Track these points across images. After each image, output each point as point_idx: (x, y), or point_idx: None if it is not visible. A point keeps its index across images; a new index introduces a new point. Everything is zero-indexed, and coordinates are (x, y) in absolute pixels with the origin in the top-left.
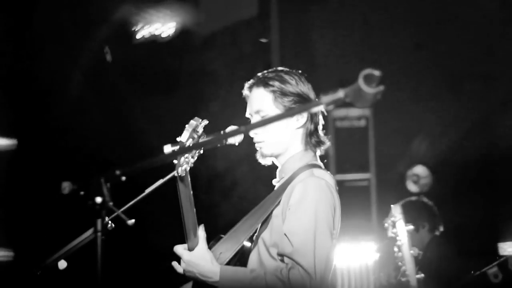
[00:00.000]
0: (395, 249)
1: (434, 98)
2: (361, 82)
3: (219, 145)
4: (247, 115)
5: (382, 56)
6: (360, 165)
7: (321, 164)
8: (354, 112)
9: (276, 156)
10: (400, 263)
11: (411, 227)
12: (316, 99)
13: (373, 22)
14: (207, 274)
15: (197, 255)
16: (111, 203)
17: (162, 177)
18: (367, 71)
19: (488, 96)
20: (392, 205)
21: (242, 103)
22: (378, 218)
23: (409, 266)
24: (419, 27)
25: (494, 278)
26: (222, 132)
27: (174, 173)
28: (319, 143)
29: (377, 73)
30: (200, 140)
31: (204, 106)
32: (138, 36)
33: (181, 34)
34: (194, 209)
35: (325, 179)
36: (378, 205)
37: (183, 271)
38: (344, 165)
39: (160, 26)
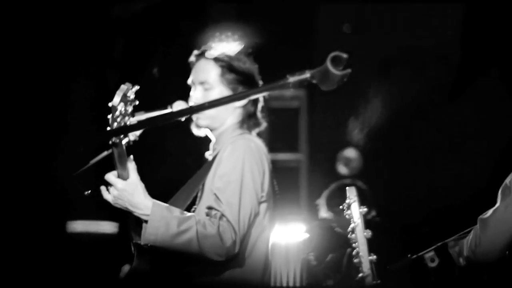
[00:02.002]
0: (348, 230)
1: (365, 81)
2: (328, 64)
3: (166, 122)
4: (189, 82)
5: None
6: (291, 146)
7: (254, 134)
8: (287, 92)
9: (211, 129)
10: (354, 245)
11: (365, 209)
12: (260, 80)
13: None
14: (138, 205)
15: (130, 184)
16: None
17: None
18: (335, 53)
19: (418, 79)
20: (347, 188)
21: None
22: (307, 199)
23: (362, 248)
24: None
25: (430, 262)
26: (169, 108)
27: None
28: (256, 124)
29: (344, 55)
30: (137, 116)
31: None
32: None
33: None
34: (127, 166)
35: (255, 142)
36: (308, 186)
37: (112, 200)
38: (275, 144)
39: None
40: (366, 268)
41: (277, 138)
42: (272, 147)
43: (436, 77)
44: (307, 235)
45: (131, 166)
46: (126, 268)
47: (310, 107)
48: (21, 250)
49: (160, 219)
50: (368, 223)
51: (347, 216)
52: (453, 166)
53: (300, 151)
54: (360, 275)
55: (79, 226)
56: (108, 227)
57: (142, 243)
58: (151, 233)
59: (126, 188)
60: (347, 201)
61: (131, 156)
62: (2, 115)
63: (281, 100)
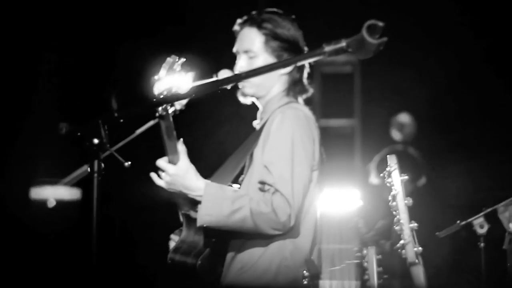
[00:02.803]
0: (389, 198)
1: (421, 48)
2: (364, 32)
3: (211, 91)
4: (234, 50)
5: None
6: (345, 111)
7: (301, 102)
8: (340, 58)
9: (258, 97)
10: (394, 212)
11: (406, 177)
12: (304, 47)
13: None
14: (191, 187)
15: (182, 168)
16: (108, 145)
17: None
18: (371, 21)
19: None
20: (388, 155)
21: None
22: (362, 164)
23: (402, 216)
24: None
25: (479, 228)
26: (214, 77)
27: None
28: (302, 91)
29: (380, 24)
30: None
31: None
32: None
33: None
34: (176, 141)
35: (303, 110)
36: (362, 152)
37: (166, 184)
38: (329, 110)
39: None
40: (407, 235)
41: (331, 104)
42: (326, 113)
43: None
44: (359, 202)
45: (181, 149)
46: (174, 237)
47: (364, 72)
48: None
49: (213, 199)
50: (417, 190)
51: (388, 184)
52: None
53: (354, 117)
54: (401, 242)
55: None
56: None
57: (197, 225)
58: (205, 214)
59: (178, 172)
60: (387, 169)
61: (181, 140)
62: None
63: (334, 66)
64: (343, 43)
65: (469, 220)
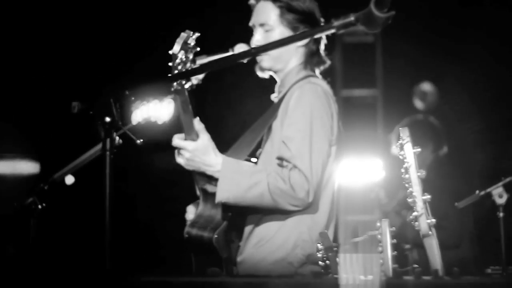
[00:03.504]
0: (402, 170)
1: (444, 16)
2: (372, 6)
3: (228, 65)
4: (250, 24)
5: None
6: (367, 81)
7: (319, 76)
8: (362, 27)
9: (275, 71)
10: (407, 185)
11: (418, 149)
12: (321, 18)
13: None
14: (210, 163)
15: (201, 145)
16: (120, 123)
17: None
18: None
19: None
20: (400, 128)
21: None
22: (384, 134)
23: (415, 188)
24: None
25: (499, 198)
26: (231, 51)
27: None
28: (320, 63)
29: None
30: (199, 60)
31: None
32: None
33: None
34: (193, 116)
35: (321, 85)
36: (384, 122)
37: (185, 161)
38: (351, 80)
39: None
40: (420, 207)
41: (352, 74)
42: (348, 83)
43: None
44: (381, 172)
45: (200, 127)
46: (191, 208)
47: (385, 42)
48: None
49: (231, 175)
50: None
51: (400, 157)
52: None
53: (376, 87)
54: (414, 214)
55: None
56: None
57: (216, 201)
58: (223, 189)
59: (198, 148)
60: (400, 141)
61: (198, 118)
62: None
63: (355, 36)
64: (351, 18)
65: (488, 190)
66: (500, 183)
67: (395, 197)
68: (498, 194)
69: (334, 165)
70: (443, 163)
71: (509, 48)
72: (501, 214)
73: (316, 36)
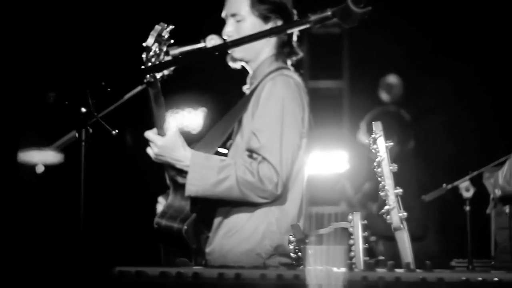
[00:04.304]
0: (375, 164)
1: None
2: (349, 1)
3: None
4: (223, 15)
5: None
6: (333, 73)
7: (291, 68)
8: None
9: (247, 61)
10: (379, 179)
11: (391, 143)
12: (293, 9)
13: None
14: (179, 158)
15: (169, 140)
16: (95, 113)
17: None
18: None
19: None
20: (370, 117)
21: None
22: (349, 126)
23: (388, 182)
24: None
25: (466, 191)
26: (202, 42)
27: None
28: (291, 53)
29: None
30: (171, 51)
31: None
32: None
33: None
34: (164, 109)
35: (293, 78)
36: (349, 114)
37: (154, 155)
38: (318, 72)
39: None
40: (392, 201)
41: (319, 65)
42: (314, 74)
43: None
44: (346, 164)
45: (170, 119)
46: (161, 199)
47: (352, 34)
48: None
49: (200, 169)
50: (405, 153)
51: (373, 151)
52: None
53: (343, 78)
54: (386, 207)
55: None
56: None
57: (185, 194)
58: (192, 184)
59: (166, 144)
60: (373, 135)
61: (168, 111)
62: None
63: (322, 27)
64: (328, 12)
65: (455, 183)
66: (467, 177)
67: (361, 189)
68: (465, 188)
69: (304, 157)
70: (409, 155)
71: (474, 42)
72: (467, 208)
73: (293, 30)
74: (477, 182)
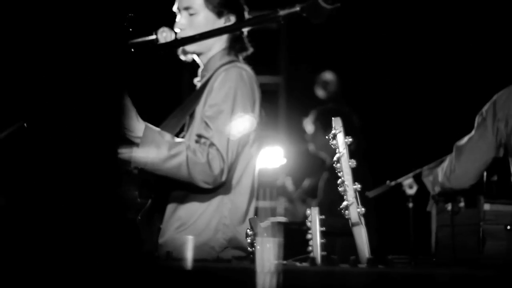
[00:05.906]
0: (334, 159)
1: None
2: None
3: (153, 53)
4: (175, 9)
5: None
6: (270, 68)
7: (243, 62)
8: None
9: (198, 54)
10: (339, 174)
11: (350, 139)
12: (244, 4)
13: None
14: (131, 127)
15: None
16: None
17: None
18: None
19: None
20: (333, 118)
21: None
22: (286, 122)
23: (347, 177)
24: None
25: (409, 188)
26: (154, 35)
27: None
28: (243, 49)
29: None
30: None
31: None
32: None
33: None
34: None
35: (247, 70)
36: (286, 110)
37: None
38: (255, 67)
39: None
40: (351, 196)
41: (256, 61)
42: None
43: None
44: (282, 159)
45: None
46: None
47: (290, 29)
48: None
49: (151, 142)
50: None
51: (332, 146)
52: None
53: (280, 74)
54: (345, 203)
55: None
56: None
57: (132, 166)
58: (141, 156)
59: None
60: (333, 131)
61: None
62: None
63: None
64: (297, 8)
65: (399, 180)
66: (411, 174)
67: (301, 185)
68: (409, 185)
69: (254, 150)
70: (353, 152)
71: (417, 37)
72: (410, 205)
73: (259, 26)
74: (420, 180)
